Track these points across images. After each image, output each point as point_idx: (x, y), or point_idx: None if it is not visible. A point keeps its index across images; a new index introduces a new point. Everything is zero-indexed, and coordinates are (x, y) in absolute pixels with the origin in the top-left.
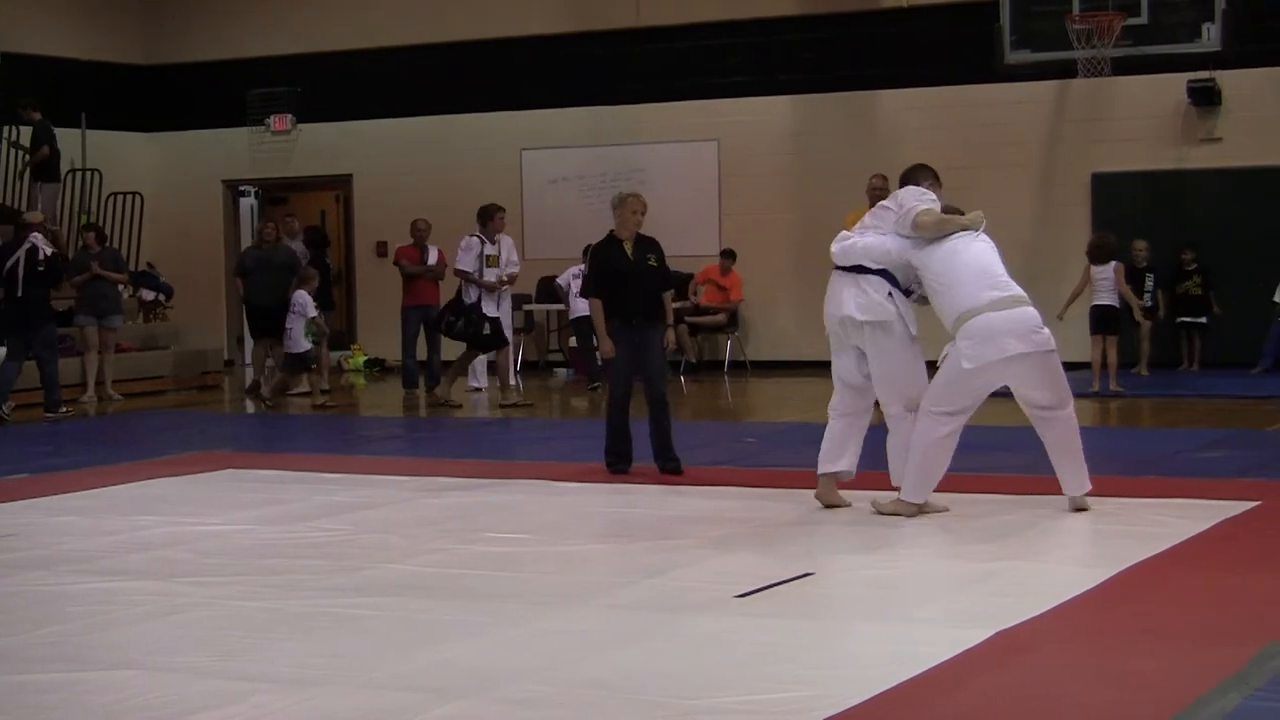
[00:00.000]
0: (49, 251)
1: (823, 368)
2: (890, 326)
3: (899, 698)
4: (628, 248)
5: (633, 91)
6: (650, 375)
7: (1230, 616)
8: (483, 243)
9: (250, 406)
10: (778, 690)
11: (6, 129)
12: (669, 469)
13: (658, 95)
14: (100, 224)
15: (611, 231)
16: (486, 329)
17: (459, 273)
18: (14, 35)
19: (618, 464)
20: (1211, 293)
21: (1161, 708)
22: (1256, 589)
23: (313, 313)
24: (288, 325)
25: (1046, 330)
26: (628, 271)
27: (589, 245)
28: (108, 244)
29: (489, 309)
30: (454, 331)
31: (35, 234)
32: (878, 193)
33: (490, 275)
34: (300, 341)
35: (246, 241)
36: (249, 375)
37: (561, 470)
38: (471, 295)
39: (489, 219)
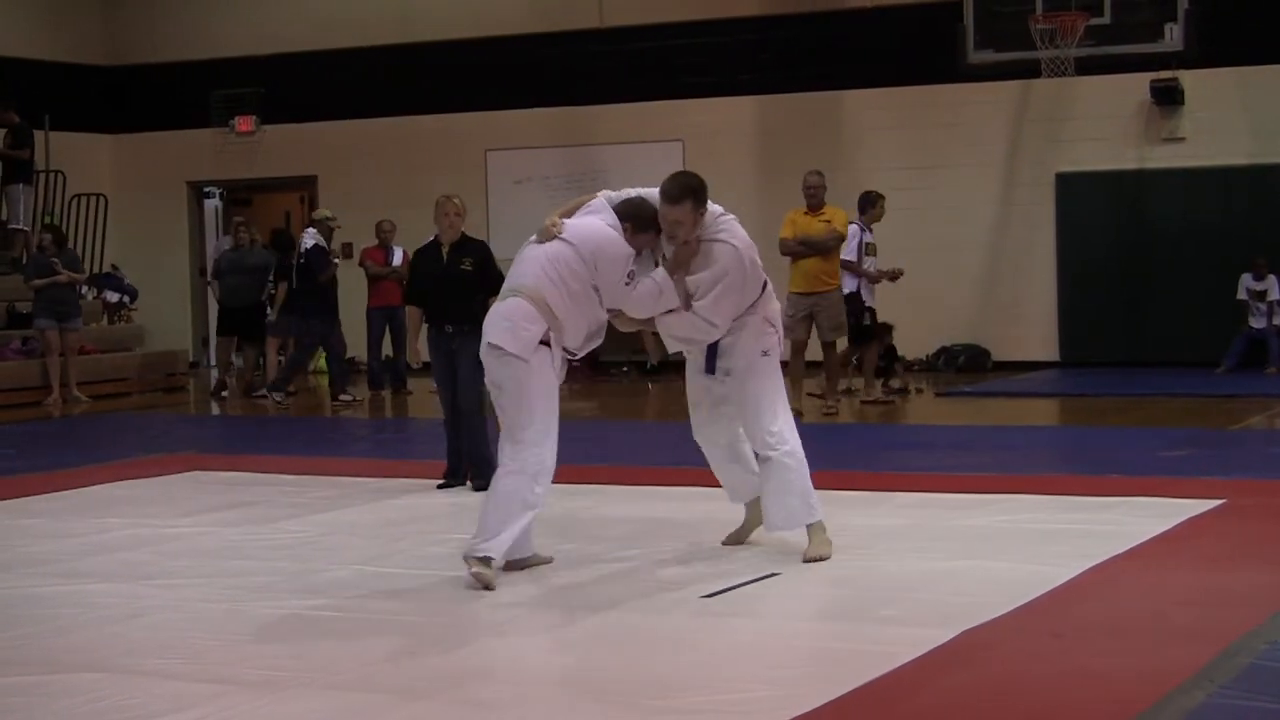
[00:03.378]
0: (307, 245)
1: (785, 366)
2: None
3: (864, 697)
4: (444, 251)
5: (597, 92)
6: (458, 385)
7: (1194, 614)
8: (863, 230)
9: (215, 408)
10: (744, 690)
11: None
12: (478, 487)
13: (622, 96)
14: (63, 225)
15: (436, 235)
16: (866, 319)
17: (843, 263)
18: None
19: (446, 477)
20: None
21: (1126, 705)
22: (1221, 587)
23: None
24: None
25: (508, 325)
26: (439, 275)
27: None
28: (65, 245)
29: (868, 299)
30: None
31: (308, 229)
32: (813, 190)
33: (869, 264)
34: None
35: (210, 243)
36: (215, 377)
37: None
38: (849, 285)
39: (871, 205)
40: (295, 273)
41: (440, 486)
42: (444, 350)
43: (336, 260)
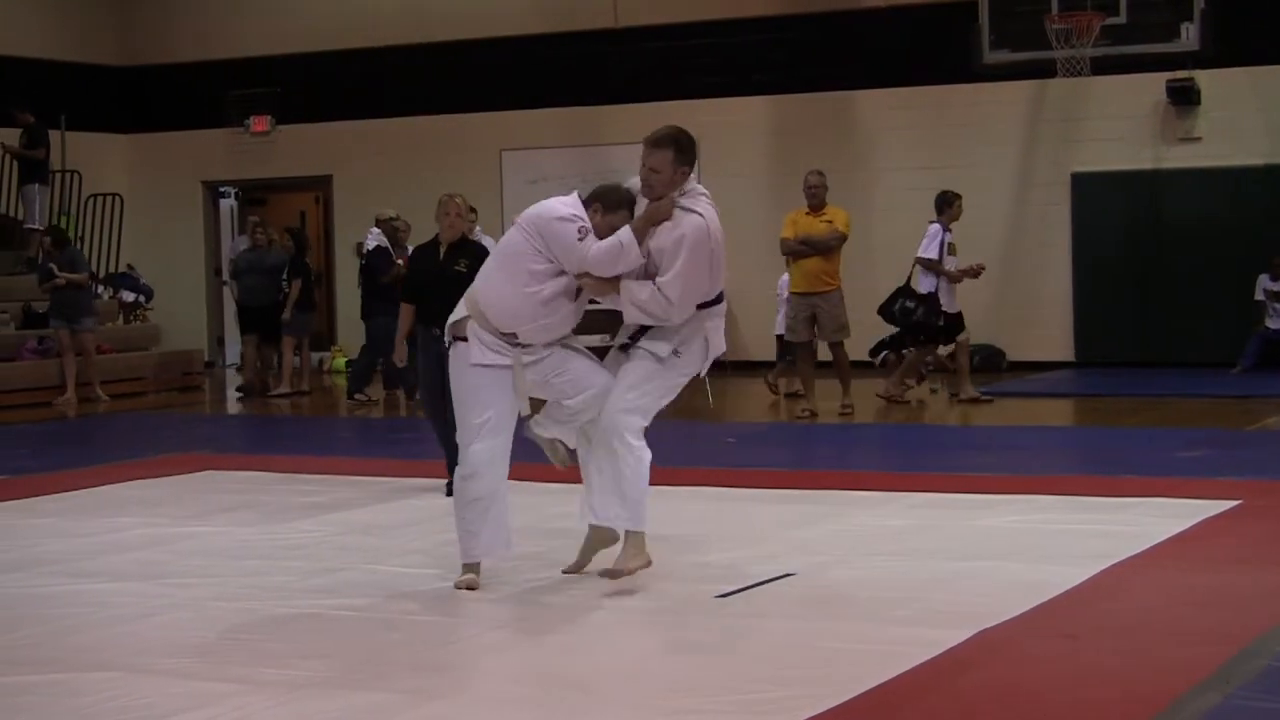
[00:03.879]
0: (370, 245)
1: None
2: None
3: (880, 698)
4: (441, 251)
5: (611, 92)
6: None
7: (1210, 615)
8: (944, 230)
9: (233, 408)
10: (758, 691)
11: None
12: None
13: (636, 96)
14: (79, 225)
15: (437, 234)
16: (940, 320)
17: (923, 261)
18: None
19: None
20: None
21: (1141, 706)
22: (1236, 588)
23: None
24: (778, 310)
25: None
26: (432, 276)
27: None
28: (69, 246)
29: (946, 301)
30: (910, 319)
31: (373, 230)
32: (813, 190)
33: (950, 264)
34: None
35: (226, 242)
36: (229, 376)
37: (543, 471)
38: (927, 284)
39: (949, 205)
40: (358, 273)
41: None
42: (433, 353)
43: (400, 261)
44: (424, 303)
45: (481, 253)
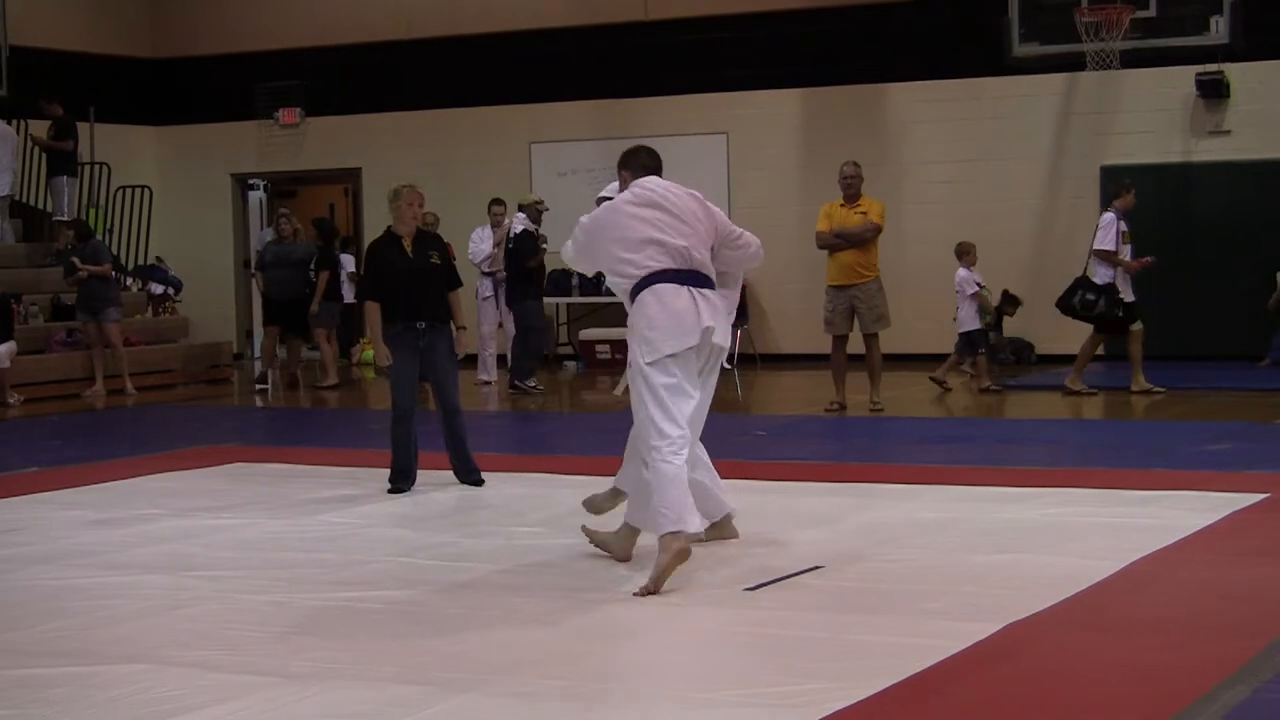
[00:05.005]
0: (516, 230)
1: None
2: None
3: (909, 690)
4: (407, 245)
5: (641, 85)
6: (440, 384)
7: (1239, 609)
8: (1119, 218)
9: (258, 400)
10: (787, 683)
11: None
12: (469, 481)
13: (666, 89)
14: (109, 217)
15: (389, 228)
16: (1119, 311)
17: (1100, 253)
18: (23, 28)
19: (398, 482)
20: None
21: (1171, 700)
22: (1265, 581)
23: (972, 289)
24: (957, 306)
25: None
26: (407, 271)
27: None
28: (92, 238)
29: (1124, 290)
30: (1091, 312)
31: (518, 214)
32: (849, 181)
33: (1125, 252)
34: (971, 319)
35: (255, 235)
36: (258, 368)
37: (570, 463)
38: (1104, 275)
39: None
40: (504, 257)
41: (392, 491)
42: (411, 347)
43: (545, 245)
44: (396, 299)
45: (444, 244)
